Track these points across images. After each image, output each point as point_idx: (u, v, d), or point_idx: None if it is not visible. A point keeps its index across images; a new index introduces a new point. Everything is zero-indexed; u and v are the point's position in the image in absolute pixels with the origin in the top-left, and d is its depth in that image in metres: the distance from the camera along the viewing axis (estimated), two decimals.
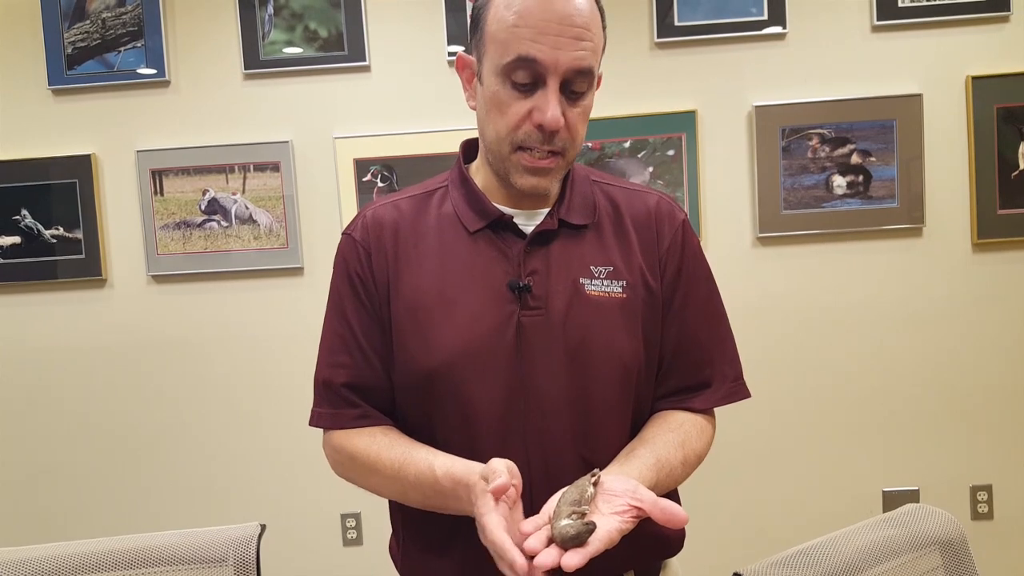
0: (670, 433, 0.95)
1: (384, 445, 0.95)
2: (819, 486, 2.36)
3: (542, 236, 0.95)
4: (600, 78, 0.95)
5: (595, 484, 0.79)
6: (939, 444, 2.34)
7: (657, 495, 0.88)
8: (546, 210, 0.97)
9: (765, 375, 2.32)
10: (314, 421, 1.01)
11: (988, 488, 2.33)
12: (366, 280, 0.97)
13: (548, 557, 0.70)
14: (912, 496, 2.34)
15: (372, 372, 0.98)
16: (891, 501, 2.33)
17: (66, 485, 2.47)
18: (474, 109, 0.96)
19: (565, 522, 0.73)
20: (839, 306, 2.32)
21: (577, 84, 0.89)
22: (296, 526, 2.42)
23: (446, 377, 0.92)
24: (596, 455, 0.93)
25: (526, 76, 0.87)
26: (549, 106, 0.87)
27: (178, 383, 2.43)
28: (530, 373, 0.92)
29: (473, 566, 0.71)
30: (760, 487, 2.38)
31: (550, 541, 0.73)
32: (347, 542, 2.43)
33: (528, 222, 0.96)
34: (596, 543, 0.72)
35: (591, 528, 0.72)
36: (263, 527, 1.22)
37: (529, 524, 0.75)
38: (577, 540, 0.71)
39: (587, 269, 0.95)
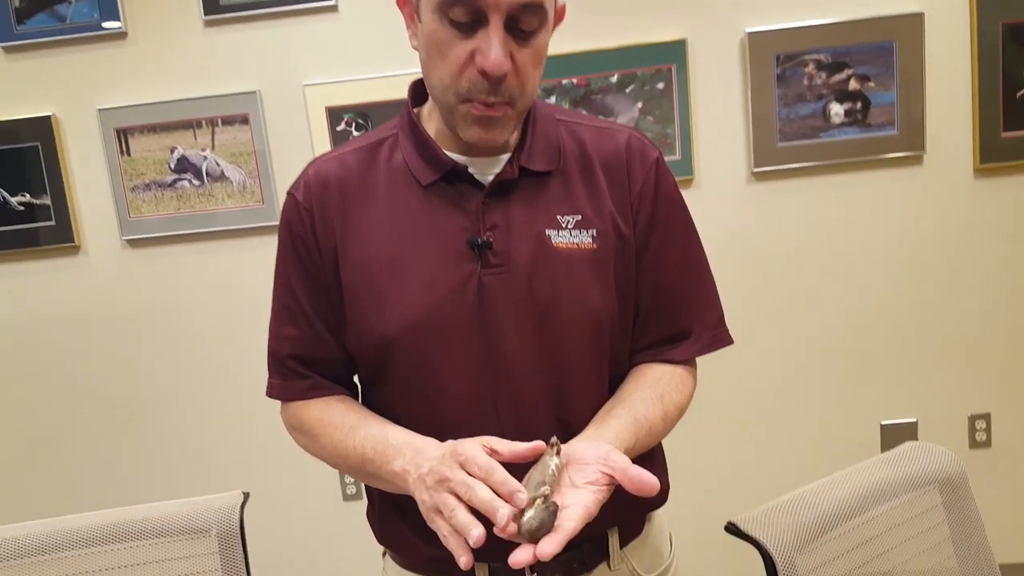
0: (648, 389, 0.89)
1: (338, 411, 0.91)
2: (816, 424, 2.33)
3: (502, 186, 0.86)
4: (563, 10, 0.85)
5: (558, 453, 0.74)
6: (937, 375, 2.30)
7: (638, 453, 0.84)
8: (506, 156, 0.88)
9: (761, 314, 2.27)
10: (268, 392, 0.97)
11: (987, 417, 2.31)
12: (310, 245, 0.89)
13: (523, 556, 0.66)
14: (910, 428, 2.32)
15: (320, 343, 0.92)
16: (889, 434, 2.31)
17: (47, 457, 2.44)
18: (417, 50, 0.86)
19: (528, 515, 0.68)
20: (837, 240, 2.25)
21: (525, 21, 0.77)
22: (294, 486, 2.39)
23: (405, 346, 0.86)
24: (573, 416, 0.87)
25: (464, 13, 0.76)
26: (491, 48, 0.76)
27: (160, 349, 2.37)
28: (496, 336, 0.85)
29: None
30: (754, 431, 2.35)
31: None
32: (347, 497, 2.42)
33: (486, 171, 0.88)
34: (570, 522, 0.67)
35: (553, 511, 0.68)
36: (246, 495, 1.19)
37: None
38: (543, 529, 0.67)
39: (553, 219, 0.87)
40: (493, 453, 0.72)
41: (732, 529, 1.01)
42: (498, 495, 0.68)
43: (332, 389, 0.94)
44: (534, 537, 0.66)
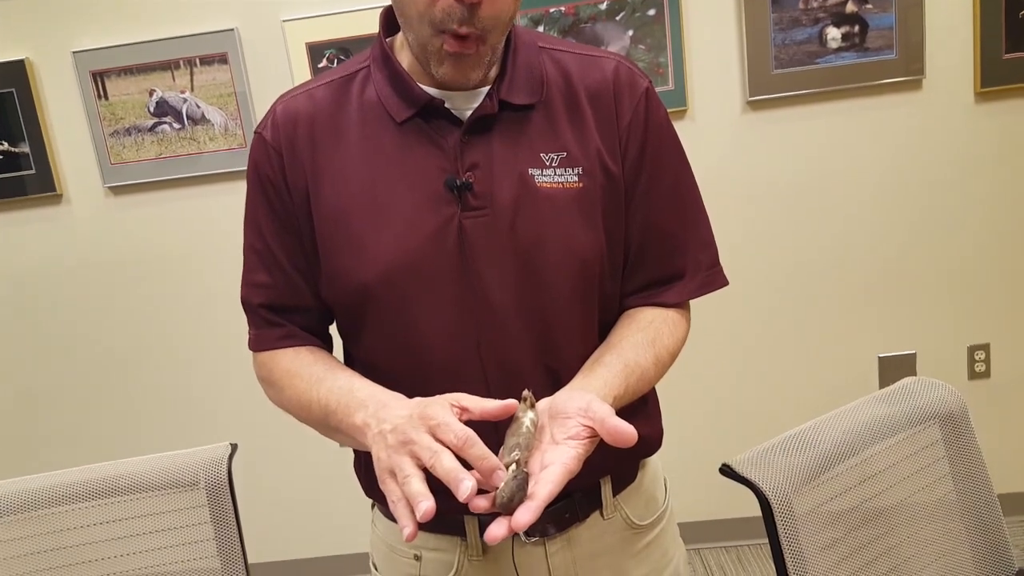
0: (639, 333, 0.85)
1: (306, 362, 0.87)
2: (813, 358, 2.32)
3: (481, 122, 0.81)
4: None
5: (532, 407, 0.70)
6: (936, 306, 2.28)
7: (629, 400, 0.80)
8: (485, 89, 0.82)
9: (755, 248, 2.23)
10: (249, 344, 0.93)
11: (986, 347, 2.29)
12: (279, 187, 0.85)
13: (498, 530, 0.61)
14: (909, 360, 2.30)
15: (293, 291, 0.88)
16: (887, 366, 2.30)
17: (33, 409, 2.43)
18: None
19: (500, 484, 0.63)
20: (834, 169, 2.20)
21: None
22: (285, 435, 2.38)
23: (381, 296, 0.82)
24: (561, 364, 0.84)
25: None
26: None
27: (147, 297, 2.35)
28: (478, 283, 0.81)
29: (438, 484, 0.64)
30: (749, 367, 2.33)
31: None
32: (342, 445, 2.41)
33: (464, 106, 0.82)
34: (547, 486, 0.63)
35: (523, 479, 0.63)
36: (234, 447, 1.18)
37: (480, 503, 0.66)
38: (516, 500, 0.63)
39: (536, 157, 0.82)
40: (463, 412, 0.68)
41: (727, 471, 0.99)
42: (477, 470, 0.64)
43: (304, 339, 0.90)
44: (507, 509, 0.63)
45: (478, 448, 0.64)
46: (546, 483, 0.63)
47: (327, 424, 0.82)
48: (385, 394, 0.77)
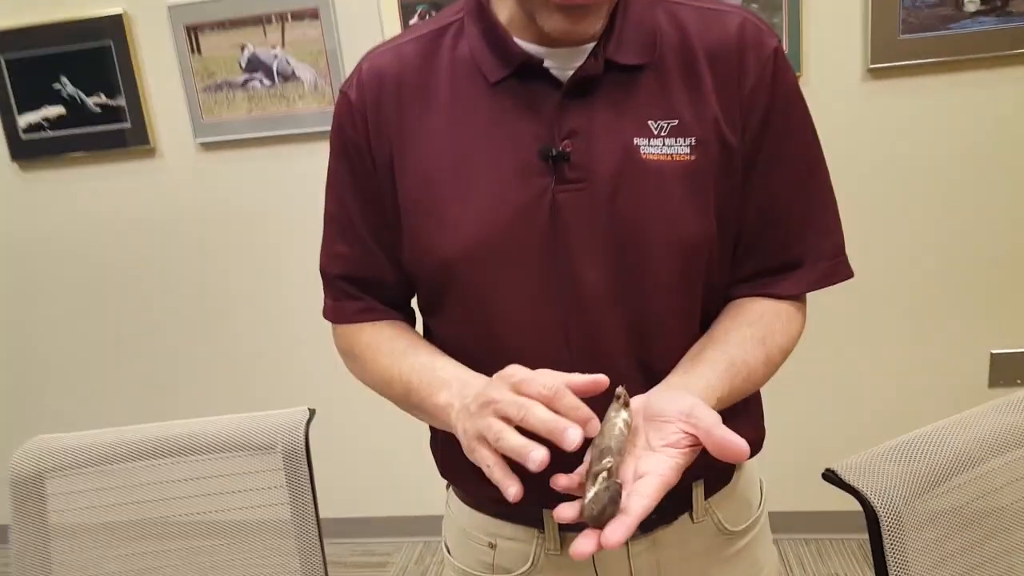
0: (748, 328, 0.77)
1: (387, 337, 0.83)
2: (920, 353, 2.16)
3: (583, 84, 0.73)
4: None
5: (626, 406, 0.63)
6: None
7: (733, 403, 0.73)
8: (590, 46, 0.74)
9: (865, 232, 2.08)
10: (324, 313, 0.90)
11: None
12: (363, 152, 0.79)
13: (586, 546, 0.55)
14: (1021, 359, 2.12)
15: (374, 262, 0.83)
16: (999, 364, 2.13)
17: (122, 360, 2.50)
18: None
19: (589, 495, 0.57)
20: (962, 149, 2.01)
21: None
22: (367, 401, 2.39)
23: (463, 273, 0.76)
24: (658, 359, 0.76)
25: None
26: None
27: (234, 256, 2.37)
28: (570, 265, 0.74)
29: (515, 465, 0.58)
30: (853, 359, 2.19)
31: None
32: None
33: (565, 65, 0.74)
34: (642, 500, 0.57)
35: (616, 491, 0.57)
36: (312, 412, 1.17)
37: (562, 481, 0.61)
38: (607, 514, 0.56)
39: (643, 125, 0.73)
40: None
41: (831, 477, 0.90)
42: (573, 420, 0.57)
43: (385, 313, 0.86)
44: (598, 523, 0.56)
45: (569, 399, 0.58)
46: (641, 497, 0.57)
47: (408, 401, 0.79)
48: (469, 374, 0.73)
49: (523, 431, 0.58)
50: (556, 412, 0.58)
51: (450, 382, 0.72)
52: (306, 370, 2.43)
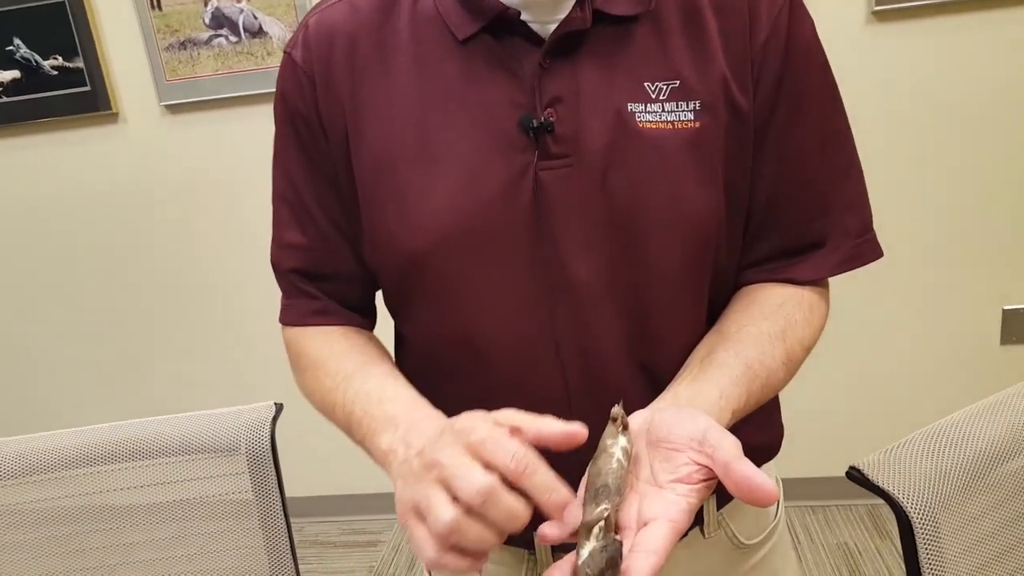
0: (765, 322, 0.66)
1: (336, 351, 0.70)
2: (930, 308, 2.07)
3: (567, 40, 0.62)
4: None
5: (624, 430, 0.51)
6: None
7: (749, 412, 0.62)
8: None
9: (870, 183, 1.96)
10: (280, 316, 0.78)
11: None
12: (312, 124, 0.67)
13: None
14: None
15: (330, 254, 0.72)
16: (1011, 320, 2.04)
17: (84, 333, 2.39)
18: None
19: (583, 554, 0.46)
20: (975, 95, 1.89)
21: None
22: None
23: (433, 267, 0.65)
24: (661, 360, 0.66)
25: None
26: None
27: (204, 223, 2.25)
28: (557, 253, 0.63)
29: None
30: (859, 324, 2.09)
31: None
32: None
33: (546, 18, 0.62)
34: (648, 558, 0.45)
35: (615, 551, 0.45)
36: (279, 407, 1.06)
37: (551, 532, 0.50)
38: (607, 573, 0.45)
39: (639, 88, 0.62)
40: (513, 432, 0.49)
41: (856, 476, 0.81)
42: (543, 508, 0.47)
43: (340, 316, 0.75)
44: None
45: (541, 475, 0.47)
46: (648, 554, 0.45)
47: (351, 435, 0.66)
48: (421, 411, 0.60)
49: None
50: (527, 489, 0.46)
51: (397, 421, 0.59)
52: (277, 341, 2.32)
